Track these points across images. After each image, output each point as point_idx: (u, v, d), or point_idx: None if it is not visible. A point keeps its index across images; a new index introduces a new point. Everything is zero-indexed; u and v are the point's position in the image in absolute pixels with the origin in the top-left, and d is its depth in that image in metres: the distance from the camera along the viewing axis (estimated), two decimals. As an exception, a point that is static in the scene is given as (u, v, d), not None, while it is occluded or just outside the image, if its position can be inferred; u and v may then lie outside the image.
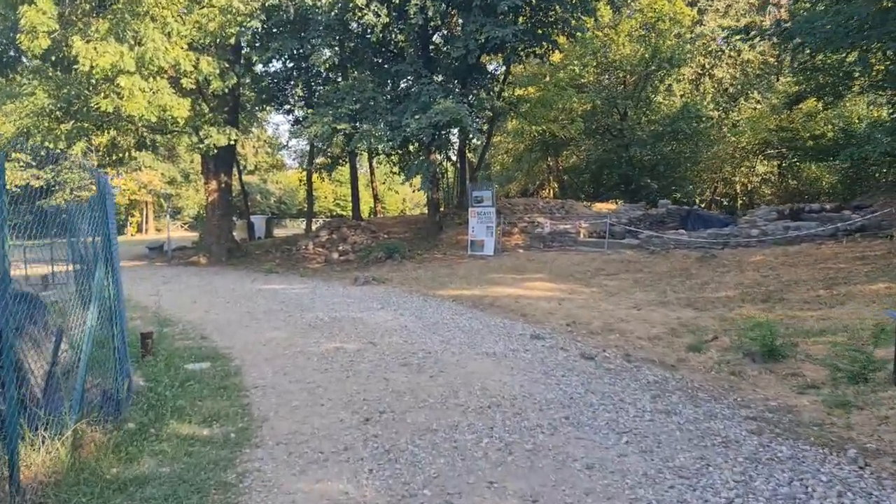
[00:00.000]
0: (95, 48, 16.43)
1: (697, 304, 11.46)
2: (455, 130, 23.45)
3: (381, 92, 19.19)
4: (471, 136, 19.08)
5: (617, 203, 30.64)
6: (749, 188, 33.35)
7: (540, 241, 20.43)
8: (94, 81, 17.85)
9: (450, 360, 7.58)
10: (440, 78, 21.24)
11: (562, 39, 21.97)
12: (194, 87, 18.77)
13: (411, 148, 23.91)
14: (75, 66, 16.59)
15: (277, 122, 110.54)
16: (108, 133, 22.00)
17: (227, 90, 19.10)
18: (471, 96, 20.67)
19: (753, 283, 12.41)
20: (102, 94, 17.09)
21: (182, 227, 65.26)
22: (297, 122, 26.04)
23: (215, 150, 19.71)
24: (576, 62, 29.70)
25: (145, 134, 22.53)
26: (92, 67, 16.43)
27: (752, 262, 13.94)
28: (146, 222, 65.56)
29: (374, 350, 8.23)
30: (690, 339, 8.89)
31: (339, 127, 18.98)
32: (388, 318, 10.56)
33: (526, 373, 6.96)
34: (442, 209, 26.42)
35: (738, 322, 9.71)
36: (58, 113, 18.95)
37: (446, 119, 17.20)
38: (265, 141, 54.96)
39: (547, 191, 39.09)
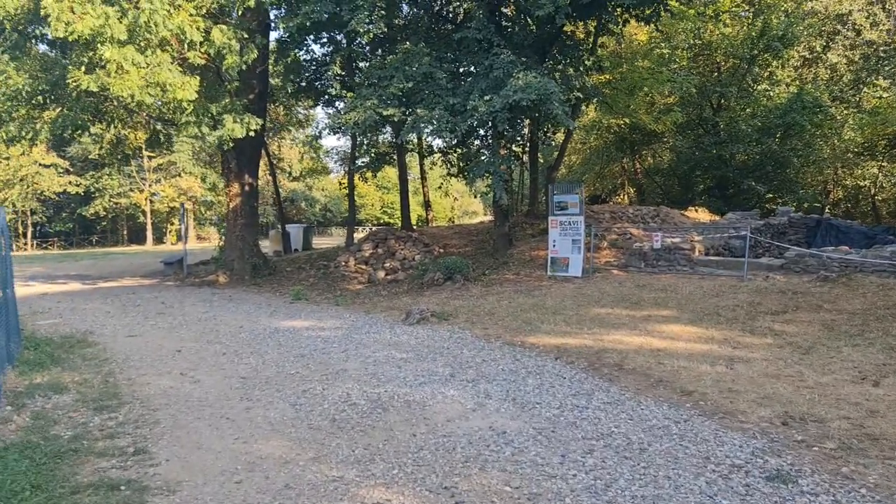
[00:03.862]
0: (73, 8, 12.60)
1: (976, 377, 6.84)
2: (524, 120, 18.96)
3: (440, 67, 14.87)
4: (559, 122, 14.49)
5: (698, 210, 25.72)
6: (868, 192, 27.96)
7: (640, 260, 15.81)
8: (85, 59, 14.10)
9: None
10: (509, 54, 16.79)
11: (673, 2, 16.98)
12: (205, 62, 14.80)
13: (472, 144, 19.61)
14: (44, 33, 12.77)
15: (321, 119, 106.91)
16: (114, 125, 18.25)
17: (245, 67, 14.99)
18: (556, 73, 16.11)
19: None
20: (83, 69, 13.23)
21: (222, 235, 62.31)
22: (335, 111, 21.91)
23: (231, 144, 15.65)
24: (663, 45, 25.00)
25: (157, 126, 18.76)
26: (69, 34, 12.62)
27: None
28: (187, 231, 63.02)
29: (460, 522, 3.87)
30: None
31: (385, 113, 14.73)
32: (468, 407, 6.17)
33: None
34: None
35: None
36: (40, 98, 15.22)
37: (531, 98, 12.72)
38: (308, 145, 51.26)
39: (621, 196, 34.21)
